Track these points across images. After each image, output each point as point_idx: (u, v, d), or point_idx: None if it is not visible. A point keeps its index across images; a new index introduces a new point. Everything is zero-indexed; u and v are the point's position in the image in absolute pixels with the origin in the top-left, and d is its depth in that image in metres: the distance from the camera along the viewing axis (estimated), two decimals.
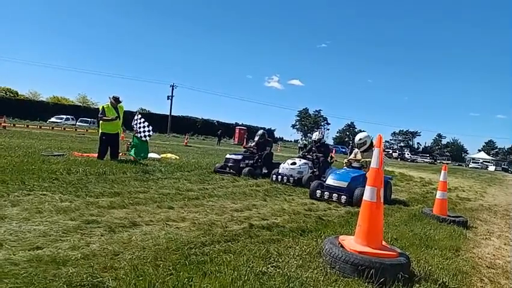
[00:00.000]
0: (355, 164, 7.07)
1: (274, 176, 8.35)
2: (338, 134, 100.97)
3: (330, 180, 6.67)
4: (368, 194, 2.98)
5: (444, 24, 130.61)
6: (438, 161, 64.25)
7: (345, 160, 7.44)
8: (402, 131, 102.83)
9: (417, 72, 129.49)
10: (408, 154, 67.39)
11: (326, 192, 6.39)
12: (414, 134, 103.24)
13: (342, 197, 6.18)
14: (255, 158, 9.51)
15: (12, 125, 27.98)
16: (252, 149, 9.90)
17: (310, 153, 9.11)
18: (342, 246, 2.98)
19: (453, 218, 5.52)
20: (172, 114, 56.38)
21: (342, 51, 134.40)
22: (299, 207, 5.54)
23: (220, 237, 3.48)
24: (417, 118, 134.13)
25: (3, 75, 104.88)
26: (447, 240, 4.38)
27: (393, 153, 63.03)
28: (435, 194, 5.97)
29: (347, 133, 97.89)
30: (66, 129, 32.71)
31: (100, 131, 9.05)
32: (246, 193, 6.29)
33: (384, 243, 3.07)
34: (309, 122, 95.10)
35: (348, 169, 7.02)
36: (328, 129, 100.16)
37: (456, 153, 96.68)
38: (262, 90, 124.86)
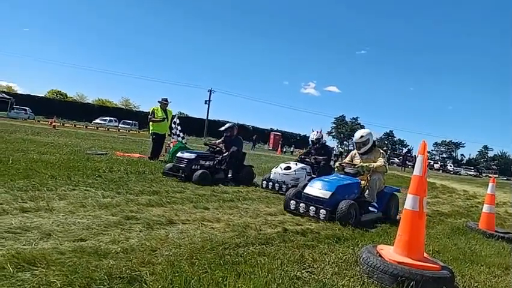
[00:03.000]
0: (349, 170, 5.49)
1: (264, 182, 7.16)
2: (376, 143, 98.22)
3: (309, 189, 5.09)
4: (409, 202, 2.86)
5: (491, 31, 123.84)
6: (484, 175, 60.58)
7: (337, 164, 5.89)
8: (445, 141, 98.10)
9: (463, 80, 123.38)
10: (450, 166, 64.16)
11: (301, 204, 4.91)
12: (458, 145, 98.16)
13: (321, 211, 4.66)
14: (216, 158, 7.49)
15: (61, 124, 29.76)
16: (216, 146, 7.81)
17: (309, 157, 7.94)
18: (380, 255, 2.87)
19: (502, 234, 5.17)
20: (208, 118, 57.45)
21: (382, 58, 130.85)
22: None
23: (254, 239, 3.47)
24: (462, 129, 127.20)
25: (53, 78, 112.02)
26: (495, 257, 4.10)
27: (435, 165, 60.25)
28: (482, 208, 5.62)
29: (385, 142, 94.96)
30: (109, 130, 34.27)
31: (151, 131, 9.58)
32: (280, 198, 6.25)
33: (426, 255, 2.93)
34: (345, 129, 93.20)
35: (339, 175, 5.49)
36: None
37: (504, 167, 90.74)
38: (298, 96, 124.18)
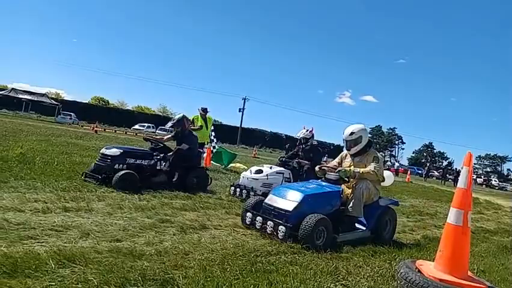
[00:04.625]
0: (329, 175, 4.33)
1: (232, 188, 6.20)
2: (413, 155, 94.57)
3: (270, 198, 4.02)
4: (452, 216, 2.70)
5: None
6: None
7: (317, 168, 4.61)
8: (489, 155, 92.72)
9: (509, 90, 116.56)
10: (495, 181, 60.44)
11: (258, 218, 3.86)
12: (504, 159, 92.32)
13: (281, 227, 3.58)
14: (156, 157, 5.91)
15: (103, 129, 31.19)
16: (157, 141, 6.26)
17: (292, 160, 6.72)
18: (419, 271, 2.73)
19: None
20: (242, 126, 58.00)
21: (423, 67, 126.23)
22: None
23: (286, 248, 3.41)
24: (508, 142, 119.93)
25: (97, 85, 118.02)
26: None
27: (478, 179, 57.08)
28: None
29: (424, 154, 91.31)
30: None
31: None
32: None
33: (470, 273, 2.74)
34: (382, 140, 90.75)
35: (316, 182, 4.35)
36: (403, 149, 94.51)
37: None
38: (333, 105, 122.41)
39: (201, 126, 9.61)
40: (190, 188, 5.83)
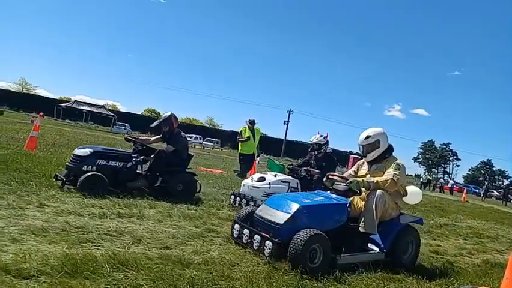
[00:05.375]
0: (338, 186, 3.76)
1: (232, 197, 5.71)
2: (469, 172, 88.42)
3: (262, 209, 3.53)
4: None
5: None
6: None
7: (325, 178, 3.99)
8: None
9: None
10: None
11: (245, 230, 3.37)
12: None
13: (267, 243, 3.07)
14: (135, 159, 5.33)
15: None
16: (139, 143, 5.70)
17: (307, 168, 6.09)
18: None
19: None
20: (286, 138, 57.91)
21: (479, 79, 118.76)
22: (423, 248, 4.90)
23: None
24: None
25: (149, 98, 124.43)
26: None
27: None
28: None
29: (482, 172, 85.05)
30: (195, 146, 36.62)
31: (238, 151, 10.02)
32: None
33: None
34: (434, 155, 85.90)
35: (320, 193, 3.81)
36: (458, 166, 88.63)
37: None
38: (382, 119, 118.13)
39: (248, 138, 9.72)
40: (174, 195, 5.23)
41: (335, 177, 3.86)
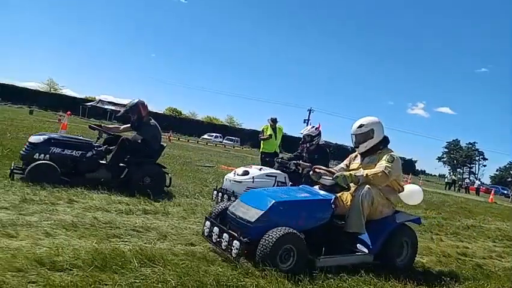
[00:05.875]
0: (324, 181, 3.40)
1: (215, 192, 5.35)
2: (497, 173, 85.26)
3: (235, 205, 3.19)
4: None
5: None
6: None
7: (311, 172, 3.61)
8: None
9: None
10: None
11: (215, 228, 3.04)
12: None
13: (234, 243, 2.75)
14: (97, 148, 4.95)
15: (177, 139, 33.19)
16: (104, 131, 5.27)
17: (296, 161, 5.62)
18: None
19: None
20: None
21: (508, 76, 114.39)
22: (450, 249, 4.81)
23: (364, 264, 3.27)
24: None
25: (170, 97, 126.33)
26: None
27: None
28: None
29: (511, 172, 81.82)
30: (217, 145, 37.02)
31: (260, 150, 10.07)
32: None
33: None
34: (459, 155, 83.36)
35: (307, 188, 3.45)
36: (484, 166, 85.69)
37: None
38: (405, 117, 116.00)
39: (270, 136, 9.72)
40: (140, 188, 4.82)
41: (321, 171, 3.48)
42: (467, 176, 68.73)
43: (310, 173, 3.62)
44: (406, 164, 59.47)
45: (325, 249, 2.96)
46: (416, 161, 71.58)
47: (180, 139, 34.66)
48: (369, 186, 3.19)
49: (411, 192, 3.70)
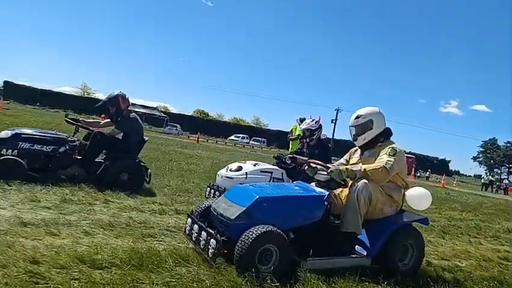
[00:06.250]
0: (320, 176, 3.14)
1: (208, 189, 5.11)
2: None
3: (218, 201, 2.98)
4: None
5: None
6: None
7: (306, 167, 3.38)
8: None
9: None
10: None
11: (195, 226, 2.85)
12: None
13: (212, 242, 2.55)
14: (70, 143, 4.78)
15: (206, 140, 33.71)
16: (79, 124, 5.12)
17: (292, 155, 5.33)
18: None
19: None
20: (334, 137, 56.73)
21: None
22: (490, 253, 4.59)
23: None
24: None
25: (198, 99, 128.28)
26: None
27: None
28: None
29: None
30: (245, 146, 37.28)
31: (289, 150, 10.07)
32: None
33: None
34: (497, 154, 79.40)
35: (302, 184, 3.21)
36: None
37: None
38: (437, 116, 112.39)
39: (299, 135, 9.68)
40: (117, 185, 4.64)
41: (317, 166, 3.23)
42: (506, 177, 65.41)
43: (306, 168, 3.38)
44: (439, 164, 57.51)
45: (318, 251, 2.74)
46: (449, 161, 69.30)
47: (209, 140, 35.18)
48: (366, 181, 2.89)
49: (419, 196, 3.25)
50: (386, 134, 3.24)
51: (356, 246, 2.97)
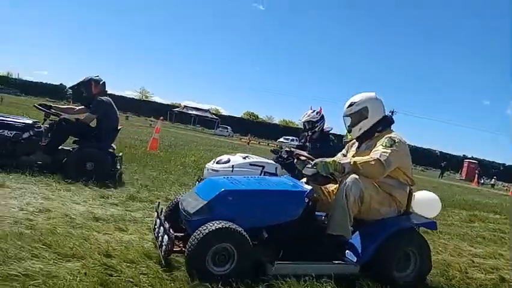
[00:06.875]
0: (307, 170, 2.67)
1: (197, 183, 4.49)
2: None
3: (185, 196, 2.72)
4: None
5: None
6: None
7: (295, 160, 3.11)
8: None
9: None
10: None
11: (157, 221, 2.64)
12: None
13: (164, 239, 2.34)
14: (35, 128, 4.56)
15: (258, 142, 34.10)
16: (57, 112, 4.86)
17: (289, 149, 4.68)
18: None
19: None
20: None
21: None
22: None
23: (459, 282, 3.00)
24: None
25: (248, 101, 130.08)
26: None
27: None
28: None
29: None
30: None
31: None
32: (486, 237, 5.27)
33: None
34: None
35: (287, 179, 2.85)
36: None
37: None
38: (503, 118, 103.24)
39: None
40: (83, 174, 4.32)
41: (301, 157, 2.94)
42: None
43: (295, 161, 3.08)
44: (506, 171, 52.59)
45: (298, 254, 2.41)
46: None
47: (261, 143, 35.52)
48: (356, 177, 2.48)
49: (428, 201, 2.91)
50: (385, 122, 2.83)
51: (347, 251, 2.56)
